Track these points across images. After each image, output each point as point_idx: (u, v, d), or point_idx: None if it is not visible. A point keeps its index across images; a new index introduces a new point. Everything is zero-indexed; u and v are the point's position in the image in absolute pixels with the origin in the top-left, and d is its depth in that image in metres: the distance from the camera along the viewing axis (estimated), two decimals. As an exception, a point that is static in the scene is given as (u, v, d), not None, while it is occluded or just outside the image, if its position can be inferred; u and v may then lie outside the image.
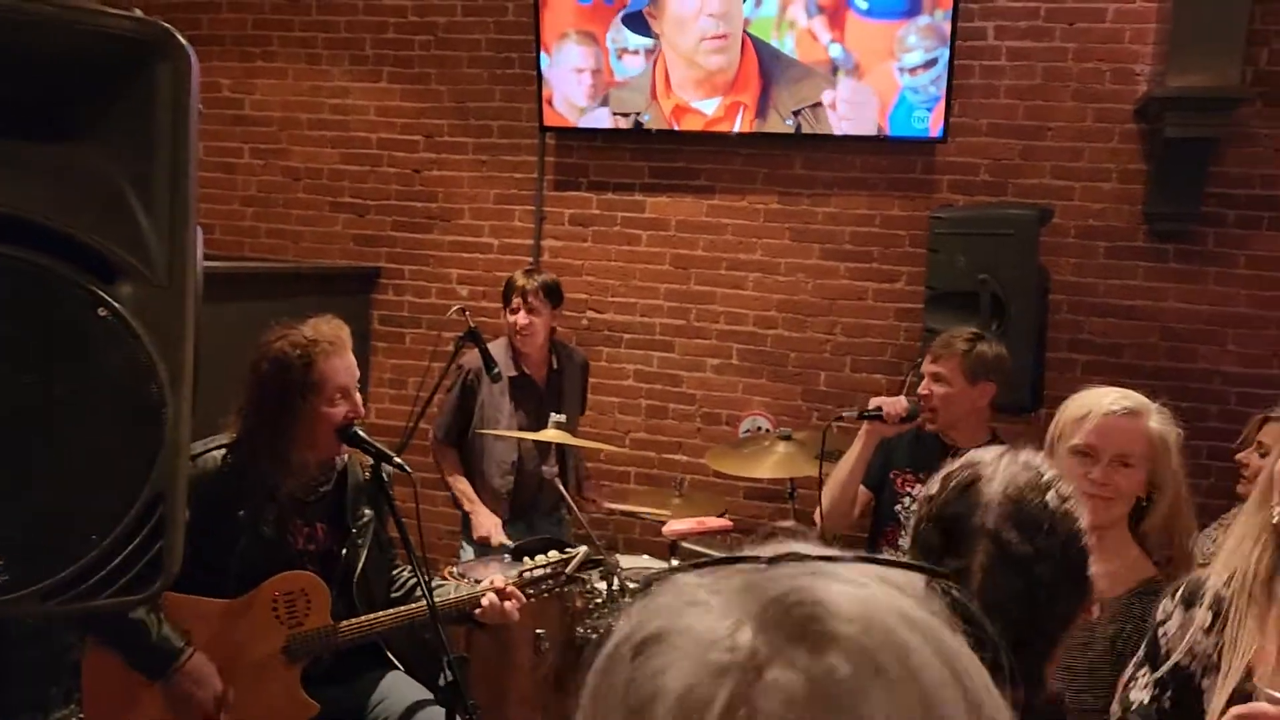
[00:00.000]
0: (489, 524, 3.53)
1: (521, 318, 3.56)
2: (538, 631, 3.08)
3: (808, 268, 4.22)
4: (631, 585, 3.18)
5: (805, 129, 4.05)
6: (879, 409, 2.90)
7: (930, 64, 3.86)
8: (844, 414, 3.07)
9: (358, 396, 2.40)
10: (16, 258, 1.13)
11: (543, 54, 4.24)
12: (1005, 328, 3.34)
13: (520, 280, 3.58)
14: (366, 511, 2.52)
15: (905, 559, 0.59)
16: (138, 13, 1.19)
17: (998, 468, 1.19)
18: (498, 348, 3.60)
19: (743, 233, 4.28)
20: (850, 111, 3.99)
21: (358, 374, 2.43)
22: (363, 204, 4.74)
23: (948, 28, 3.80)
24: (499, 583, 2.53)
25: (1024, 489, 1.16)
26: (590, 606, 3.14)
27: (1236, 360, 3.77)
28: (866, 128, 4.00)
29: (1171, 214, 3.74)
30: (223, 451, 2.35)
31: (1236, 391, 3.75)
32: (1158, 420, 1.92)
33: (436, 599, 2.26)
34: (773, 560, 0.52)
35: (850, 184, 4.14)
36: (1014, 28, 3.92)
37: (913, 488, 2.91)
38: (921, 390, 2.90)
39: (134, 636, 2.16)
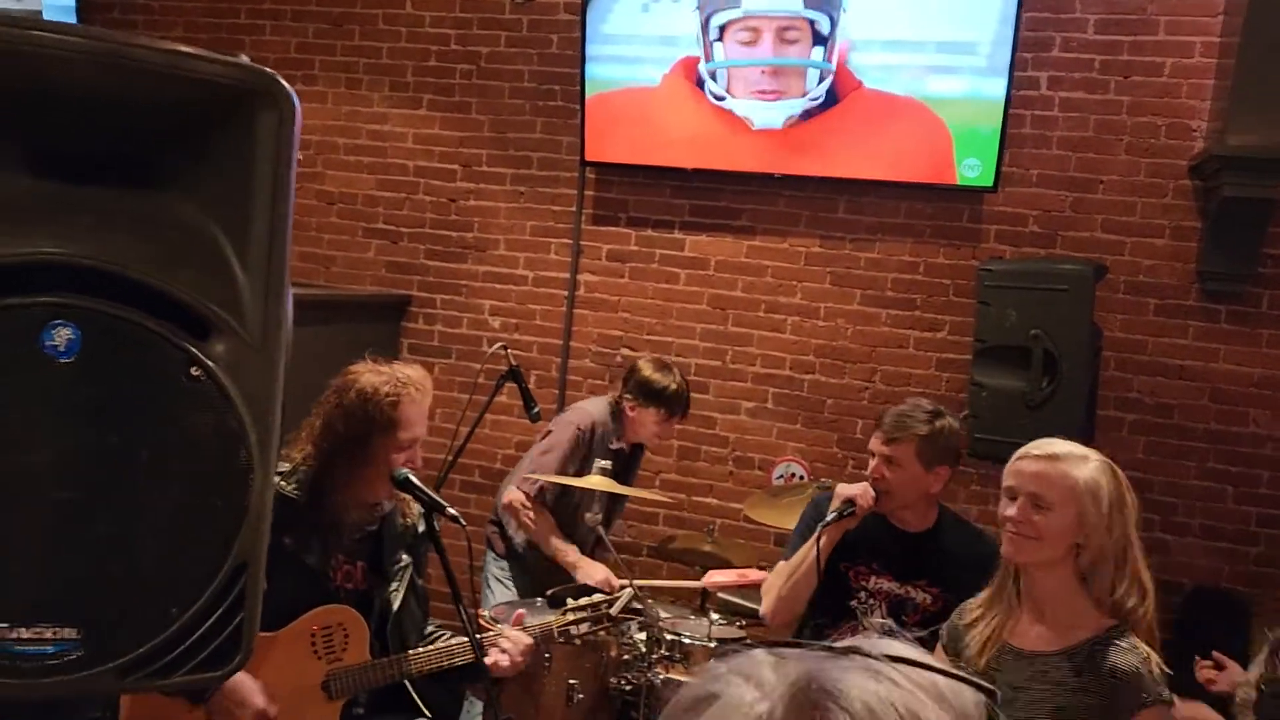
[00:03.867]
0: (600, 574, 3.37)
1: (666, 433, 3.52)
2: (570, 682, 3.00)
3: (848, 313, 4.16)
4: (669, 638, 3.10)
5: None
6: (851, 504, 2.64)
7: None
8: (828, 520, 2.64)
9: (420, 451, 2.38)
10: (109, 313, 1.07)
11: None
12: (1057, 385, 3.28)
13: (685, 397, 3.47)
14: (404, 557, 2.49)
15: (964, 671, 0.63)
16: (244, 59, 1.14)
17: None
18: (604, 413, 3.50)
19: (783, 275, 4.23)
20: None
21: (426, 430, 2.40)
22: (396, 231, 4.70)
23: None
24: (518, 617, 2.50)
25: None
26: (626, 658, 3.06)
27: (1288, 425, 3.70)
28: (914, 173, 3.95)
29: (1226, 273, 3.68)
30: (277, 479, 2.28)
31: (1287, 457, 3.68)
32: (1085, 469, 1.93)
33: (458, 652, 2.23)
34: (843, 651, 0.59)
35: (895, 230, 4.09)
36: (1068, 78, 3.88)
37: (867, 580, 2.72)
38: (871, 472, 2.66)
39: None
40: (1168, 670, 1.88)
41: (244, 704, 2.18)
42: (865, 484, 2.68)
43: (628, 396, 3.47)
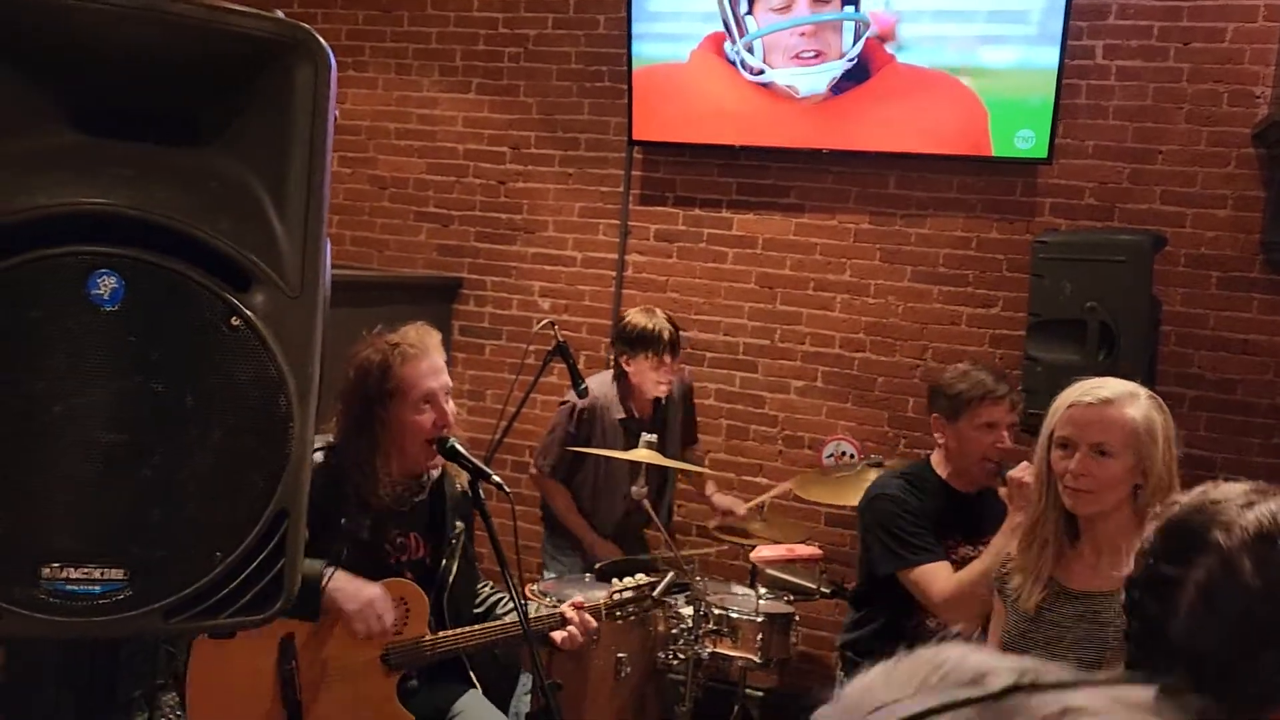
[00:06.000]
0: (613, 557, 3.45)
1: (665, 376, 3.44)
2: (619, 655, 3.01)
3: (899, 290, 4.10)
4: (716, 613, 3.10)
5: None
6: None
7: (1035, 83, 3.73)
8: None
9: (446, 404, 2.34)
10: (151, 263, 1.10)
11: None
12: (1114, 359, 3.20)
13: (666, 331, 3.41)
14: (459, 524, 2.49)
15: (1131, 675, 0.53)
16: (279, 13, 1.16)
17: (1257, 499, 1.07)
18: (603, 385, 3.52)
19: (832, 252, 4.19)
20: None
21: (447, 381, 2.37)
22: (447, 214, 4.74)
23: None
24: (579, 602, 2.48)
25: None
26: (674, 632, 3.07)
27: (1357, 400, 3.57)
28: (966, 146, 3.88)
29: (1291, 244, 3.56)
30: (322, 455, 2.32)
31: (1356, 433, 3.55)
32: (1139, 407, 1.88)
33: (515, 619, 2.23)
34: (1000, 695, 0.47)
35: (946, 204, 4.03)
36: (1124, 46, 3.77)
37: (956, 551, 2.70)
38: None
39: None
40: None
41: (354, 596, 2.21)
42: (1027, 463, 2.35)
43: (620, 354, 3.49)
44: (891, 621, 2.75)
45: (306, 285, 1.16)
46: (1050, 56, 3.69)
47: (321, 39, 1.17)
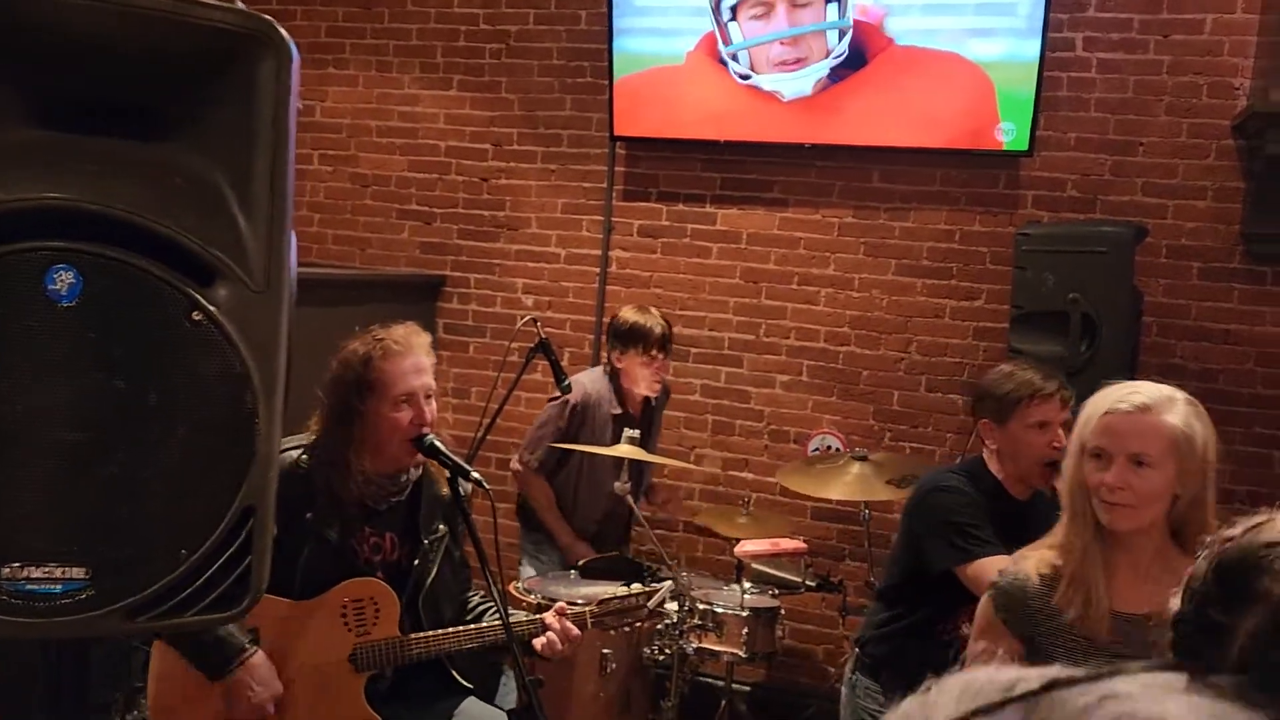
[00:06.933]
0: (587, 557, 3.43)
1: (655, 373, 3.44)
2: (604, 651, 3.01)
3: (883, 283, 4.10)
4: (701, 608, 3.10)
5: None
6: None
7: (1016, 76, 3.73)
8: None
9: (426, 404, 2.31)
10: (113, 258, 1.08)
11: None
12: (1096, 349, 3.21)
13: (658, 329, 3.41)
14: (441, 526, 2.45)
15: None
16: (239, 4, 1.14)
17: None
18: (597, 381, 3.51)
19: (816, 246, 4.19)
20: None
21: (430, 383, 2.36)
22: (429, 212, 4.73)
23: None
24: (563, 608, 2.42)
25: None
26: (659, 628, 3.07)
27: (1338, 389, 3.59)
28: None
29: (1271, 234, 3.57)
30: (299, 453, 2.30)
31: (1338, 422, 3.57)
32: (1178, 414, 1.73)
33: (498, 623, 2.20)
34: (1038, 691, 0.47)
35: (929, 198, 4.03)
36: (1104, 39, 3.78)
37: None
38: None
39: (196, 632, 2.10)
40: None
41: (264, 683, 2.17)
42: None
43: (612, 349, 3.49)
44: (925, 621, 2.56)
45: (271, 280, 1.15)
46: (1035, 49, 3.69)
47: (284, 31, 1.16)
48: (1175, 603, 1.17)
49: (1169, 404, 1.75)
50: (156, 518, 1.10)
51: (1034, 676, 0.48)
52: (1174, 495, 1.75)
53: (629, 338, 3.43)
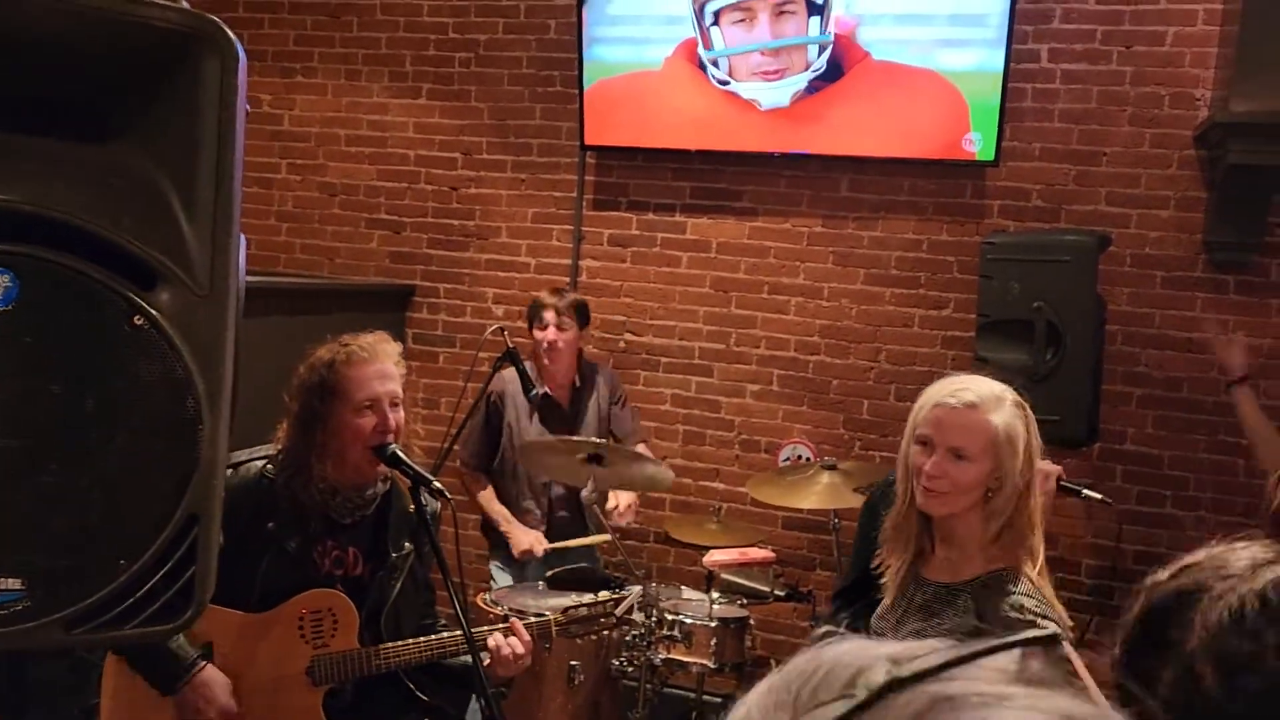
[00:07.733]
0: (528, 539, 3.47)
1: (551, 333, 3.53)
2: (572, 663, 2.99)
3: (852, 293, 4.12)
4: (670, 618, 3.08)
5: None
6: None
7: (982, 86, 3.75)
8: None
9: (393, 412, 2.27)
10: (49, 260, 1.06)
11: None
12: (1061, 358, 3.23)
13: (549, 299, 3.57)
14: (407, 545, 2.40)
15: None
16: (184, 3, 1.12)
17: (1237, 583, 0.96)
18: (509, 369, 3.53)
19: (785, 256, 4.20)
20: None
21: (396, 390, 2.33)
22: (399, 221, 4.70)
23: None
24: (515, 623, 2.35)
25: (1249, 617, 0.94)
26: (627, 639, 3.04)
27: (1300, 396, 3.62)
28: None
29: (1233, 243, 3.62)
30: (263, 462, 2.28)
31: (1300, 429, 3.60)
32: (1003, 414, 1.84)
33: (458, 633, 2.17)
34: (865, 704, 0.45)
35: (898, 208, 4.05)
36: (1068, 50, 3.82)
37: None
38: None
39: (146, 645, 2.06)
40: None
41: (213, 701, 2.14)
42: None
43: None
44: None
45: (216, 284, 1.12)
46: (1003, 60, 3.72)
47: (229, 31, 1.13)
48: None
49: (996, 404, 1.85)
50: (94, 527, 1.07)
51: (879, 663, 0.46)
52: (987, 489, 1.85)
53: (528, 319, 3.63)
